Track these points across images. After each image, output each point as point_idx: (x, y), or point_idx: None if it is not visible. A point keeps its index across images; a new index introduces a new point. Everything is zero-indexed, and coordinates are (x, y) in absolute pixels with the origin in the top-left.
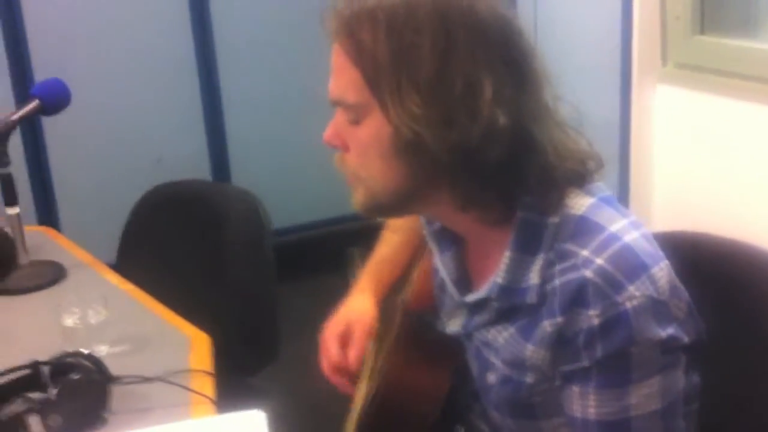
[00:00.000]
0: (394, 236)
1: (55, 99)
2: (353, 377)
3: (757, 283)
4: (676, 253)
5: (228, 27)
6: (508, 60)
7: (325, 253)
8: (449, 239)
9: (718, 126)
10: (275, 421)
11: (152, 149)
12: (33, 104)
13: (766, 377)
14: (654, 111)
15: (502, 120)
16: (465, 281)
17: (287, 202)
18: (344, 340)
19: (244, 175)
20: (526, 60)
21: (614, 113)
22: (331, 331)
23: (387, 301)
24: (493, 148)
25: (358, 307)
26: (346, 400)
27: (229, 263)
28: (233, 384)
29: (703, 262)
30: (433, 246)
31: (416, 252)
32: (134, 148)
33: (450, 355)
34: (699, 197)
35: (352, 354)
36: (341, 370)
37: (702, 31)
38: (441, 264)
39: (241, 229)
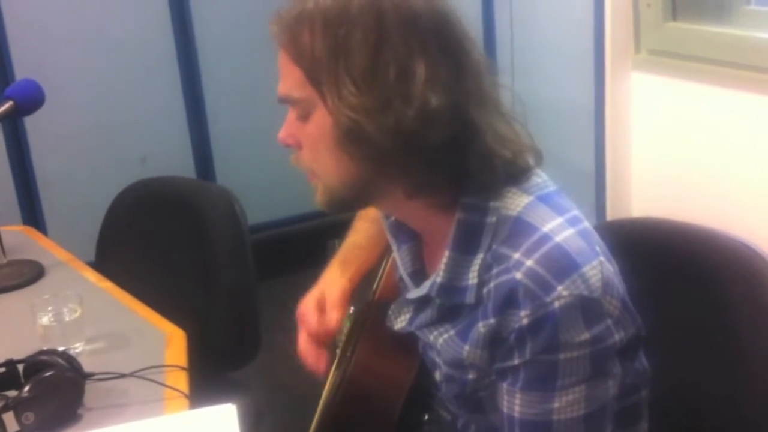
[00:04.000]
0: (368, 226)
1: (29, 99)
2: (332, 345)
3: (719, 267)
4: (635, 237)
5: (209, 24)
6: (443, 46)
7: (311, 246)
8: (407, 233)
9: (693, 112)
10: (256, 415)
11: (136, 148)
12: (6, 105)
13: (723, 359)
14: (628, 98)
15: (434, 102)
16: (421, 275)
17: (272, 197)
18: (321, 307)
19: (228, 172)
20: (462, 47)
21: (589, 101)
22: (307, 302)
23: (360, 291)
24: (430, 130)
25: (327, 281)
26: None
27: (208, 260)
28: (214, 379)
29: (663, 247)
30: (390, 239)
31: (388, 248)
32: (118, 147)
33: (415, 343)
34: (675, 183)
35: (332, 315)
36: (321, 337)
37: (674, 18)
38: (398, 257)
39: (219, 225)
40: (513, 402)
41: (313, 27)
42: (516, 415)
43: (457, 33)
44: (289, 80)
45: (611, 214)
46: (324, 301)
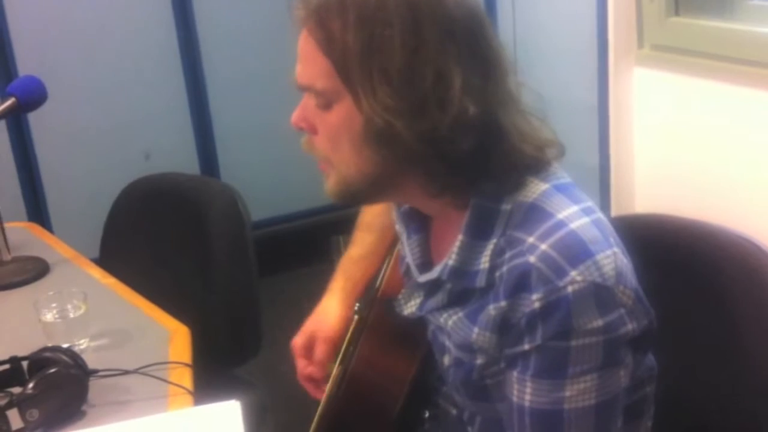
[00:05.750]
0: (365, 236)
1: (31, 96)
2: (322, 384)
3: (722, 263)
4: (639, 234)
5: (211, 20)
6: (476, 50)
7: (314, 243)
8: (417, 223)
9: (696, 107)
10: (259, 411)
11: (140, 144)
12: (9, 102)
13: (726, 357)
14: (632, 94)
15: (471, 110)
16: (428, 266)
17: (276, 193)
18: (308, 351)
19: (232, 168)
20: (491, 49)
21: (592, 97)
22: (296, 342)
23: (367, 291)
24: (463, 136)
25: (322, 315)
26: None
27: (210, 256)
28: (217, 376)
29: (666, 243)
30: (400, 228)
31: (390, 248)
32: (122, 144)
33: (418, 338)
34: (679, 179)
35: (315, 365)
36: (310, 379)
37: (677, 13)
38: (407, 247)
39: (222, 222)
40: (523, 390)
41: (346, 18)
42: (526, 404)
43: (487, 36)
44: (313, 68)
45: (615, 210)
46: (312, 344)
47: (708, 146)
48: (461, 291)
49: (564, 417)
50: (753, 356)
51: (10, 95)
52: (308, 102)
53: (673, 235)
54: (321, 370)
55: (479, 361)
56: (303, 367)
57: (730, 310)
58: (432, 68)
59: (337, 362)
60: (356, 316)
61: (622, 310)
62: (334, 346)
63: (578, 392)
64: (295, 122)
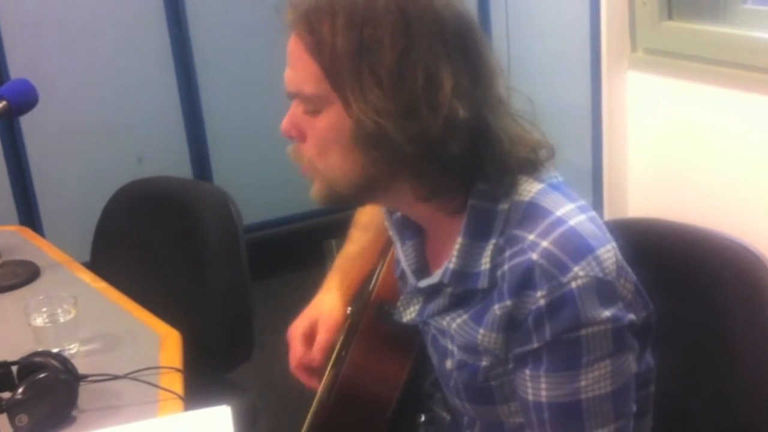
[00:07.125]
0: (362, 234)
1: (22, 99)
2: (319, 374)
3: (715, 267)
4: (631, 238)
5: (204, 23)
6: (465, 52)
7: (307, 247)
8: (412, 230)
9: (689, 111)
10: (251, 415)
11: (132, 148)
12: (0, 105)
13: (719, 361)
14: (625, 97)
15: (462, 112)
16: (424, 271)
17: (269, 196)
18: (309, 338)
19: (224, 172)
20: (481, 53)
21: (585, 100)
22: (295, 329)
23: (359, 295)
24: (454, 139)
25: (322, 305)
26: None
27: (202, 260)
28: (209, 380)
29: (659, 247)
30: (394, 235)
31: (385, 248)
32: (115, 148)
33: (410, 342)
34: (672, 182)
35: (316, 351)
36: (307, 367)
37: (670, 17)
38: (402, 254)
39: (214, 226)
40: (539, 387)
41: (335, 21)
42: (543, 399)
43: (476, 40)
44: (303, 73)
45: (608, 213)
46: (314, 331)
47: (701, 149)
48: (462, 293)
49: (582, 407)
50: (746, 359)
51: (1, 98)
52: (297, 109)
53: (665, 239)
54: (322, 356)
55: (484, 363)
56: (302, 354)
57: (723, 314)
58: (422, 69)
59: (329, 367)
60: (348, 320)
61: (620, 304)
62: (337, 335)
63: (594, 380)
64: (285, 130)
